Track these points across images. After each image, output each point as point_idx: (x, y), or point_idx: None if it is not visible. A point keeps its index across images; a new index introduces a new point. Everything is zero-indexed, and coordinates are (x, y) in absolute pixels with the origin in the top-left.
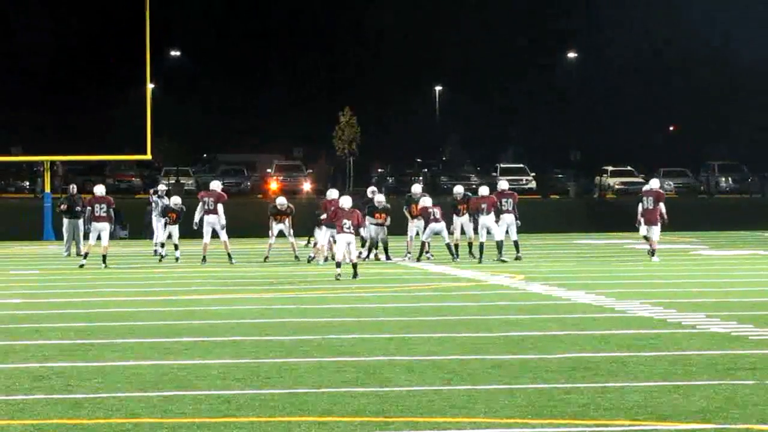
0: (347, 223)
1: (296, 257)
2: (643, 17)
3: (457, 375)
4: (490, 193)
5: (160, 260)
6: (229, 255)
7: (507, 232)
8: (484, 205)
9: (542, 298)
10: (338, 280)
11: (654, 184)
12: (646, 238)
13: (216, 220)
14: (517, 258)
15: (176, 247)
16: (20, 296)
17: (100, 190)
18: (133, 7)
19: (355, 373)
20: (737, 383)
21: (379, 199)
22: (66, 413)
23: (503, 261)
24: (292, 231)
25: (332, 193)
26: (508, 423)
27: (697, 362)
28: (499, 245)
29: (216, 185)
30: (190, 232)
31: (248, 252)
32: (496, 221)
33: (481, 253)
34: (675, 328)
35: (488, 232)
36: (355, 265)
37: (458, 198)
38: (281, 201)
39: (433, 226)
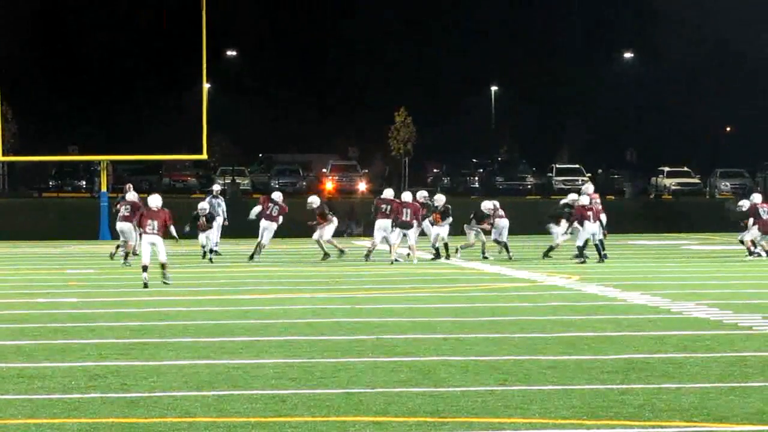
0: (153, 224)
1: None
2: (699, 16)
3: (512, 375)
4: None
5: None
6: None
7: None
8: (590, 213)
9: (597, 298)
10: (146, 287)
11: (757, 198)
12: (742, 242)
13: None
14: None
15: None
16: (76, 295)
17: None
18: (189, 7)
19: (409, 373)
20: None
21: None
22: (121, 412)
23: (605, 259)
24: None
25: (388, 192)
26: (563, 424)
27: (754, 363)
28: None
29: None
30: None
31: (301, 252)
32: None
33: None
34: (731, 330)
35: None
36: (163, 266)
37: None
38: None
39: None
